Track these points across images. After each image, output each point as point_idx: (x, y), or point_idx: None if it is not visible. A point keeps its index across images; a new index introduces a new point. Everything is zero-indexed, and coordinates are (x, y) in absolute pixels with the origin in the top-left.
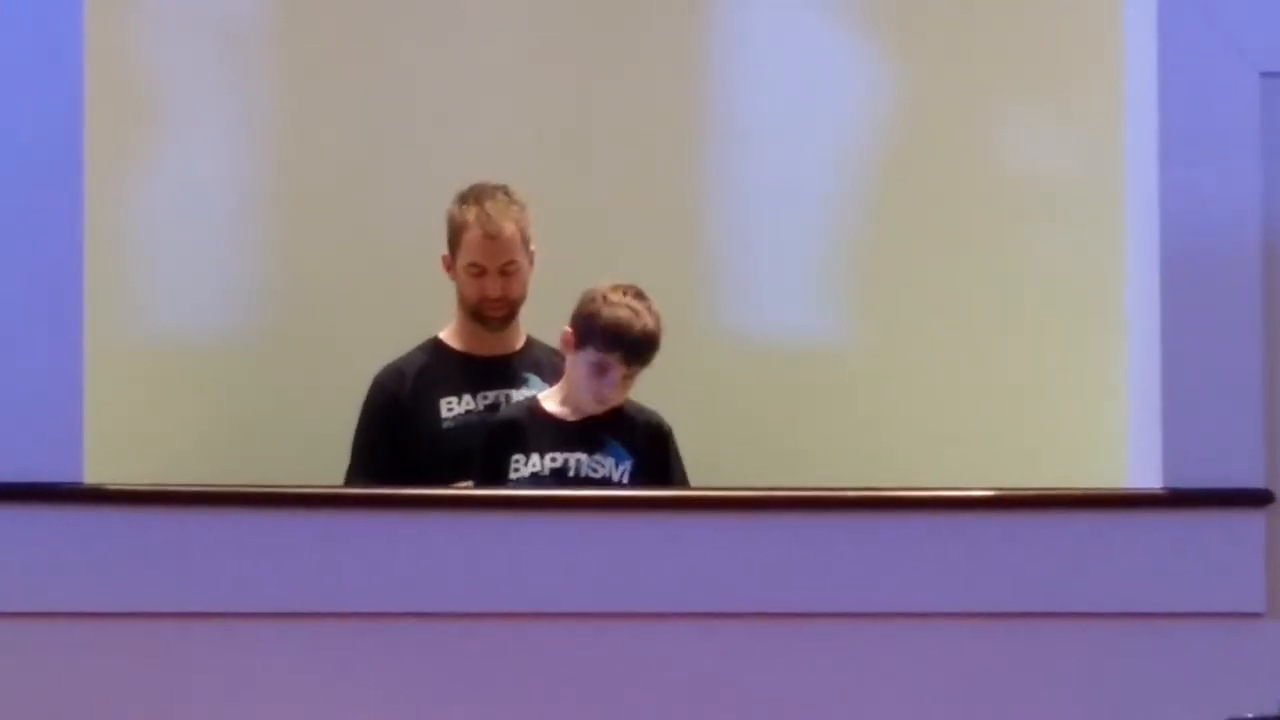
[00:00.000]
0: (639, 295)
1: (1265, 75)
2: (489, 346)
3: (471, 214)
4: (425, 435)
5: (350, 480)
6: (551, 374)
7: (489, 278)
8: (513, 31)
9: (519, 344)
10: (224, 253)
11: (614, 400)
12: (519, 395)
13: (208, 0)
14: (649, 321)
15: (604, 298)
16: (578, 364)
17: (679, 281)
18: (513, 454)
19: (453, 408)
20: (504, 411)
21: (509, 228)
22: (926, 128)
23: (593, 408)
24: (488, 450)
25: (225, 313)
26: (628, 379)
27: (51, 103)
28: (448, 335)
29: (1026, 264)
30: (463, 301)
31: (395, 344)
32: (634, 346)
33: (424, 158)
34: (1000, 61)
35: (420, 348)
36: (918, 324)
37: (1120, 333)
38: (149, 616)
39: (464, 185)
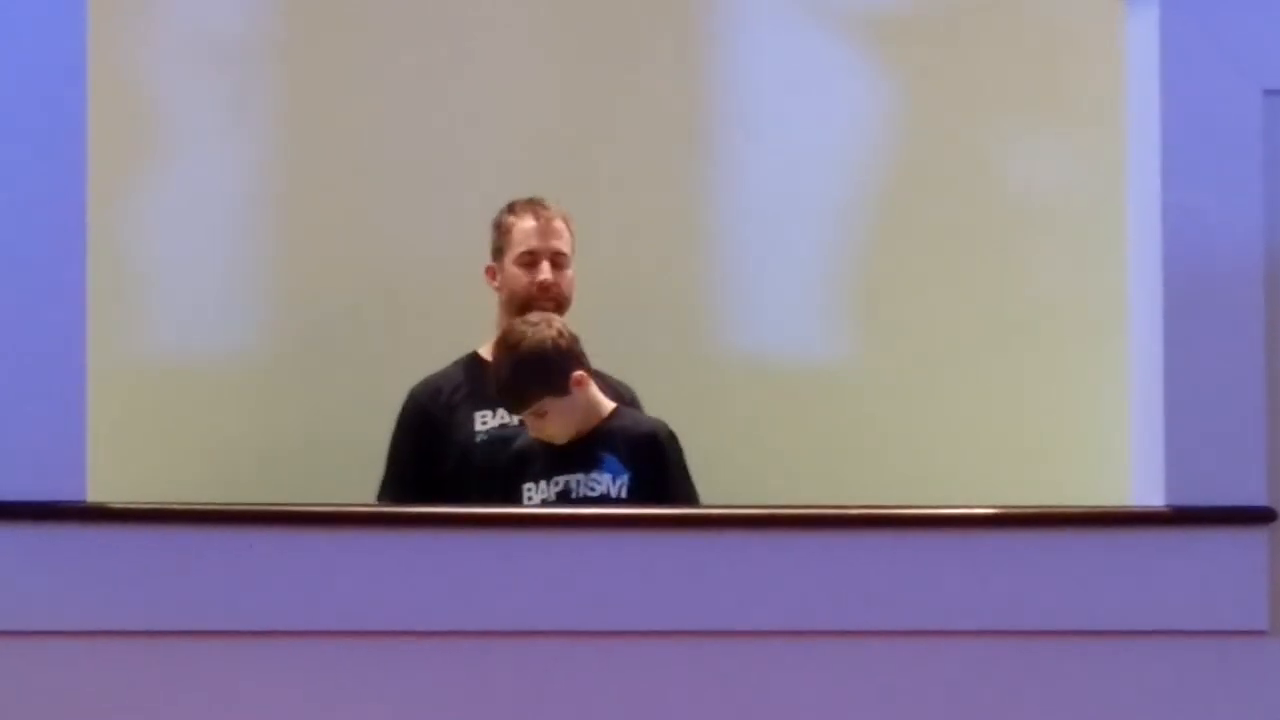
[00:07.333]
0: None
1: (1269, 92)
2: None
3: (522, 208)
4: (458, 448)
5: (381, 491)
6: None
7: (540, 265)
8: (517, 51)
9: None
10: (228, 271)
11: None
12: None
13: (211, 19)
14: None
15: None
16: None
17: (683, 299)
18: (524, 483)
19: (486, 421)
20: (516, 442)
21: (559, 220)
22: (930, 145)
23: None
24: (506, 482)
25: (229, 330)
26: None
27: (55, 121)
28: (486, 350)
29: (1029, 281)
30: (513, 299)
31: (402, 362)
32: None
33: (430, 175)
34: (1003, 79)
35: (458, 363)
36: (920, 341)
37: (1123, 350)
38: (152, 635)
39: (468, 200)
